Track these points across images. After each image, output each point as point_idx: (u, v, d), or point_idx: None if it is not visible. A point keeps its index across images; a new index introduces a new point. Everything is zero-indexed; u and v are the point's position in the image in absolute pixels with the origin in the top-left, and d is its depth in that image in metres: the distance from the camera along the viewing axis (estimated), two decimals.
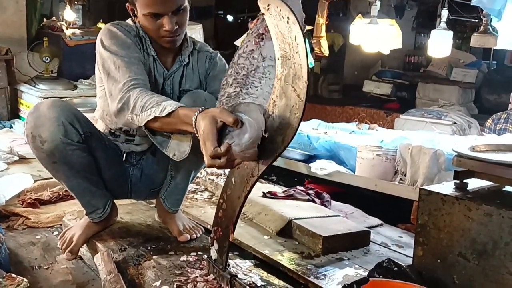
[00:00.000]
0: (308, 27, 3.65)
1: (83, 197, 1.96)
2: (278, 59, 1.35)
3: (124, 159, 2.03)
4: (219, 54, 2.05)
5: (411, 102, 6.63)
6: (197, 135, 1.41)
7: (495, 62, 7.69)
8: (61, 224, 2.32)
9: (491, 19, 2.63)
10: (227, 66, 2.05)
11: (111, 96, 1.72)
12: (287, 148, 3.21)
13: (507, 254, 1.55)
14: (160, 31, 1.79)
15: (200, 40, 2.24)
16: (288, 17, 1.26)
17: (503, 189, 1.78)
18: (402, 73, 7.29)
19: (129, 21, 1.93)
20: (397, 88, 7.02)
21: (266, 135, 1.34)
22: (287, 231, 2.21)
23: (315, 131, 3.44)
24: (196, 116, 1.39)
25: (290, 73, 1.31)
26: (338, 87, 7.76)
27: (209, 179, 2.88)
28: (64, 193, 2.64)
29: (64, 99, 4.14)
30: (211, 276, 1.68)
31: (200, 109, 1.41)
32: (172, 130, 1.62)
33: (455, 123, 5.11)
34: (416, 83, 6.78)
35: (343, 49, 7.36)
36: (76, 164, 1.83)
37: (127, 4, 1.85)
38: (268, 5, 1.31)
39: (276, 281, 1.81)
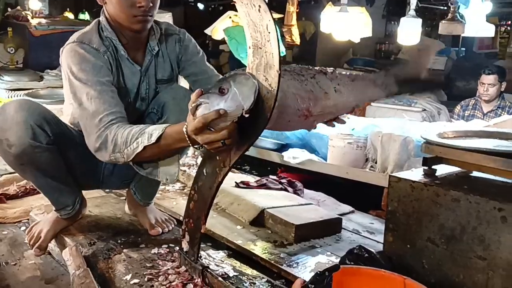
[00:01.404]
0: (278, 15, 3.63)
1: (52, 195, 1.93)
2: (249, 48, 1.34)
3: None
4: (186, 34, 2.00)
5: None
6: (191, 144, 1.44)
7: (464, 49, 7.84)
8: (28, 219, 2.27)
9: (459, 6, 2.66)
10: (197, 46, 2.01)
11: (86, 131, 1.68)
12: (259, 137, 3.20)
13: (474, 239, 1.58)
14: (132, 10, 1.71)
15: None
16: (259, 6, 1.25)
17: (471, 174, 1.81)
18: (374, 61, 7.35)
19: (90, 27, 1.84)
20: None
21: (247, 116, 1.31)
22: (260, 220, 2.21)
23: None
24: (186, 130, 1.41)
25: (261, 62, 1.30)
26: None
27: (180, 169, 2.85)
28: (31, 187, 2.58)
29: (31, 91, 4.04)
30: (183, 268, 1.67)
31: (185, 122, 1.42)
32: (164, 152, 1.60)
33: (424, 109, 5.17)
34: None
35: (315, 37, 7.37)
36: (44, 164, 1.79)
37: None
38: None
39: (249, 270, 1.82)
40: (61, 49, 1.78)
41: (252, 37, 1.28)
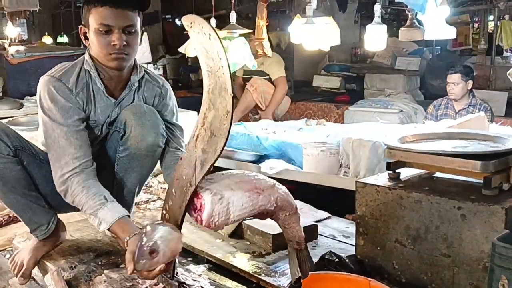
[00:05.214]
0: (248, 30, 3.72)
1: (24, 213, 1.95)
2: (204, 72, 1.41)
3: None
4: (168, 90, 2.06)
5: (360, 93, 6.77)
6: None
7: (439, 47, 7.96)
8: (12, 247, 2.30)
9: (416, 13, 2.76)
10: (175, 105, 2.07)
11: (53, 165, 1.82)
12: (236, 151, 3.22)
13: (438, 237, 1.66)
14: (108, 47, 1.81)
15: (146, 48, 2.26)
16: (210, 34, 1.31)
17: (434, 175, 1.89)
18: (350, 66, 7.45)
19: (75, 62, 1.91)
20: (346, 80, 7.17)
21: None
22: (238, 232, 2.27)
23: (264, 131, 3.49)
24: (127, 241, 1.59)
25: (216, 86, 1.36)
26: (289, 83, 7.83)
27: (161, 187, 2.90)
28: (14, 215, 2.60)
29: (11, 119, 4.06)
30: (161, 286, 1.71)
31: (128, 237, 1.60)
32: None
33: (401, 111, 5.26)
34: (363, 74, 6.93)
35: (291, 46, 7.46)
36: (10, 178, 1.84)
37: (79, 26, 1.88)
38: (191, 23, 1.36)
39: (228, 283, 1.87)
40: (41, 77, 1.87)
41: (205, 63, 1.35)
